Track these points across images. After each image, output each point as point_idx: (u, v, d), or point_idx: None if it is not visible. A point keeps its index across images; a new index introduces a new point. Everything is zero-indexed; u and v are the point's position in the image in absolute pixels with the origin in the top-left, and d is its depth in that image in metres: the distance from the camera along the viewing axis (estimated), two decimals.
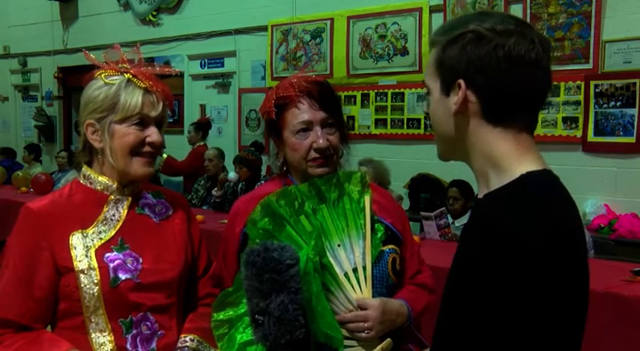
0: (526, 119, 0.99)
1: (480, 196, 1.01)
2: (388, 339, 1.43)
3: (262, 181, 4.97)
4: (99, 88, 1.43)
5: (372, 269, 1.47)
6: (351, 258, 1.46)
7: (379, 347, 1.41)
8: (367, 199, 1.51)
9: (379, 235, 1.50)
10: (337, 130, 1.53)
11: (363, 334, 1.40)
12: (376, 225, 1.52)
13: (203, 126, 6.41)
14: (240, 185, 5.15)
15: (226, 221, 1.68)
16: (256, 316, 1.28)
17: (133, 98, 1.41)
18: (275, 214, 1.47)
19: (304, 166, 1.52)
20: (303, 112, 1.49)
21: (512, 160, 0.97)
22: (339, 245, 1.46)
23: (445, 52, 0.99)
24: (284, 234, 1.47)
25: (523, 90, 0.97)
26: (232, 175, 5.16)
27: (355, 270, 1.45)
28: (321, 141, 1.48)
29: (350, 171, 1.56)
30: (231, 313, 1.46)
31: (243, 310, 1.45)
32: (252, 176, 5.13)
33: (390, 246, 1.53)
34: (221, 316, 1.46)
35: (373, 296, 1.45)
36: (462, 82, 0.97)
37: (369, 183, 1.57)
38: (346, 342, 1.40)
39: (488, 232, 0.91)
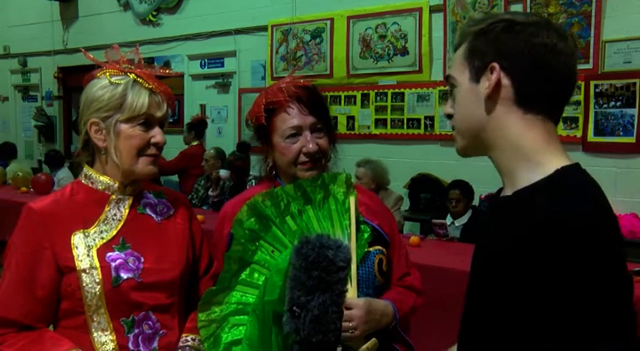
0: (555, 108, 1.01)
1: (508, 193, 0.99)
2: (373, 339, 1.43)
3: (252, 179, 5.02)
4: (104, 87, 1.43)
5: (358, 269, 1.47)
6: None
7: (364, 347, 1.40)
8: (352, 199, 1.51)
9: (365, 236, 1.51)
10: (326, 134, 1.55)
11: (348, 334, 1.39)
12: (362, 226, 1.52)
13: (194, 126, 6.38)
14: (227, 184, 5.22)
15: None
16: (294, 307, 1.27)
17: (140, 98, 1.42)
18: (261, 215, 1.49)
19: (293, 170, 1.53)
20: (293, 117, 1.51)
21: (543, 152, 0.97)
22: None
23: (476, 40, 1.01)
24: (270, 234, 1.48)
25: (557, 77, 0.98)
26: (223, 172, 5.20)
27: None
28: (310, 146, 1.50)
29: (335, 172, 1.57)
30: (217, 312, 1.47)
31: (228, 311, 1.46)
32: (240, 175, 5.21)
33: (377, 247, 1.54)
34: (207, 316, 1.47)
35: (359, 296, 1.45)
36: (495, 64, 0.98)
37: (354, 184, 1.57)
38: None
39: (539, 227, 0.89)
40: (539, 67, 0.97)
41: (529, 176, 0.96)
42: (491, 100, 1.00)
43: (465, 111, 1.04)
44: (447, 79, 1.08)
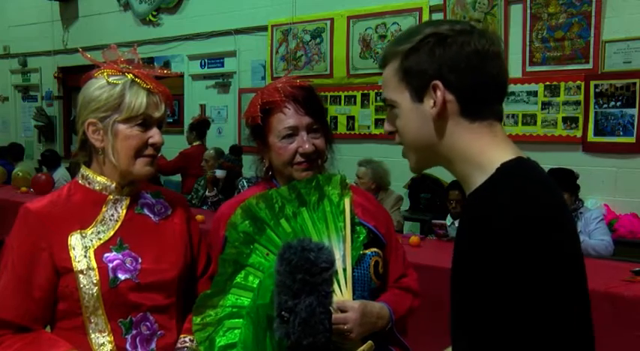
0: (497, 110, 1.03)
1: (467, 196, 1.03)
2: (369, 341, 1.42)
3: (242, 179, 5.04)
4: (102, 87, 1.43)
5: (353, 271, 1.46)
6: None
7: (360, 349, 1.39)
8: (347, 201, 1.51)
9: (361, 238, 1.49)
10: (322, 135, 1.54)
11: (344, 337, 1.39)
12: (358, 228, 1.51)
13: (195, 126, 6.36)
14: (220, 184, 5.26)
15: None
16: (282, 312, 1.27)
17: (138, 99, 1.42)
18: (255, 218, 1.48)
19: (289, 170, 1.52)
20: (289, 117, 1.50)
21: (490, 153, 0.99)
22: None
23: (409, 59, 1.01)
24: (264, 237, 1.48)
25: (493, 81, 1.00)
26: (219, 172, 5.22)
27: (336, 272, 1.44)
28: (307, 146, 1.49)
29: (330, 174, 1.56)
30: (212, 315, 1.46)
31: (223, 314, 1.46)
32: (230, 177, 5.27)
33: (373, 249, 1.52)
34: (201, 320, 1.47)
35: (354, 299, 1.44)
36: (438, 83, 0.98)
37: (349, 185, 1.56)
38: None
39: (470, 229, 0.93)
40: (477, 76, 0.98)
41: (478, 179, 0.99)
42: (440, 118, 1.00)
43: (413, 131, 1.04)
44: (384, 101, 1.08)
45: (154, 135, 1.45)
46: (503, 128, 1.03)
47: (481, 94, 0.99)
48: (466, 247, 0.93)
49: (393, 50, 1.03)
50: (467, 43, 0.98)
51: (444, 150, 1.02)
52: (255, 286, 1.45)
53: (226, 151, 5.87)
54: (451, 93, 0.99)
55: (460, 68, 0.98)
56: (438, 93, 0.98)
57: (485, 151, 0.99)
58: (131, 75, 1.43)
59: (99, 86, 1.43)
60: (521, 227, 0.88)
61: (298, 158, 1.50)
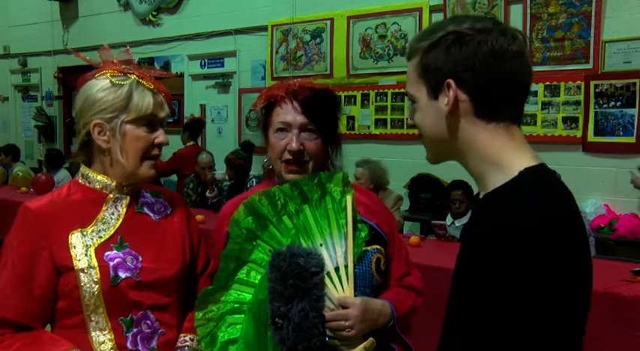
0: (516, 112, 1.02)
1: (481, 196, 1.02)
2: (370, 338, 1.42)
3: (253, 179, 4.99)
4: (106, 88, 1.43)
5: (354, 268, 1.46)
6: (333, 257, 1.46)
7: (361, 346, 1.40)
8: (349, 198, 1.51)
9: (362, 234, 1.50)
10: (319, 137, 1.53)
11: (344, 333, 1.39)
12: (360, 225, 1.51)
13: (189, 126, 6.32)
14: (226, 184, 5.17)
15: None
16: (276, 319, 1.28)
17: (145, 99, 1.43)
18: (258, 214, 1.49)
19: (279, 167, 1.53)
20: (285, 112, 1.51)
21: (509, 155, 0.99)
22: (321, 245, 1.46)
23: (428, 56, 1.01)
24: (267, 234, 1.48)
25: (511, 82, 0.99)
26: (219, 173, 5.17)
27: (337, 269, 1.45)
28: (294, 144, 1.49)
29: (332, 171, 1.56)
30: (214, 311, 1.47)
31: (225, 309, 1.47)
32: (240, 175, 5.16)
33: (375, 246, 1.53)
34: (204, 315, 1.48)
35: (356, 296, 1.44)
36: (451, 81, 0.98)
37: (351, 183, 1.57)
38: (328, 341, 1.40)
39: (495, 228, 0.92)
40: (493, 76, 0.98)
41: (496, 180, 0.98)
42: (452, 117, 1.01)
43: (429, 126, 1.05)
44: (406, 94, 1.09)
45: (160, 135, 1.48)
46: (521, 131, 1.02)
47: (497, 94, 0.98)
48: (487, 250, 0.92)
49: (416, 46, 1.04)
50: (484, 42, 0.97)
51: (460, 147, 1.03)
52: (257, 282, 1.45)
53: (227, 151, 5.85)
54: (465, 92, 0.99)
55: (475, 68, 0.97)
56: (450, 92, 0.99)
57: (503, 152, 0.99)
58: (134, 76, 1.44)
59: (102, 87, 1.43)
60: (547, 233, 0.88)
61: (286, 155, 1.51)
